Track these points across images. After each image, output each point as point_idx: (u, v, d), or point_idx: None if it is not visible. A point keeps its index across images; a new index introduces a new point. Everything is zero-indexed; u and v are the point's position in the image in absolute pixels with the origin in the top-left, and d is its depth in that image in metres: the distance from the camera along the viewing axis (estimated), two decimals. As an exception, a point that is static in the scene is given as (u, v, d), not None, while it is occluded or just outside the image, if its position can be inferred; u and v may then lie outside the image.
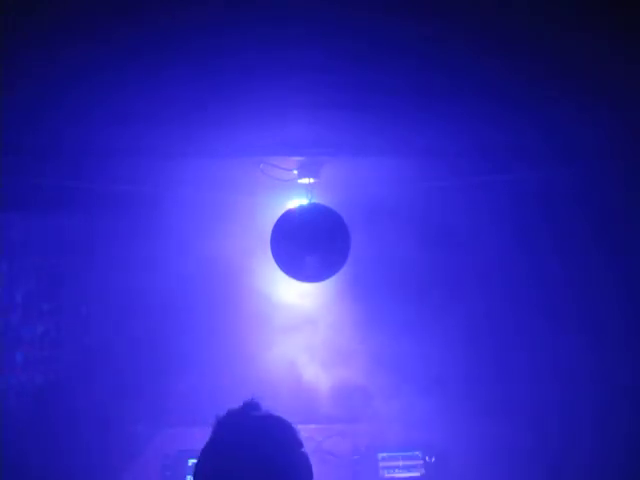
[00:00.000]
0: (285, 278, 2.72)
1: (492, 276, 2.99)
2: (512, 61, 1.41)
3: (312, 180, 2.58)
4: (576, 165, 2.49)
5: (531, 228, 2.81)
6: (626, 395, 2.46)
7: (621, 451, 2.38)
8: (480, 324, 2.98)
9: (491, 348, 2.96)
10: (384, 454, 2.87)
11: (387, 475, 2.83)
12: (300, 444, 1.31)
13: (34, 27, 1.18)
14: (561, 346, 2.73)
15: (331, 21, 1.20)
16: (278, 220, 2.63)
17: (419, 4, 1.13)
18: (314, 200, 2.63)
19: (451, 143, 2.30)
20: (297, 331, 3.28)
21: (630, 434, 2.40)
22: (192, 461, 2.78)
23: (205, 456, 1.30)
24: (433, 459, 2.84)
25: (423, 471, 2.83)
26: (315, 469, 1.32)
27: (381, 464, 2.85)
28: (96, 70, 1.45)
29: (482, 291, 3.01)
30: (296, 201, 2.73)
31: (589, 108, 1.85)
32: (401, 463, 2.86)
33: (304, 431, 1.39)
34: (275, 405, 1.43)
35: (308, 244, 2.59)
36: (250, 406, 1.35)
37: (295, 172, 2.56)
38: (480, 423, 2.89)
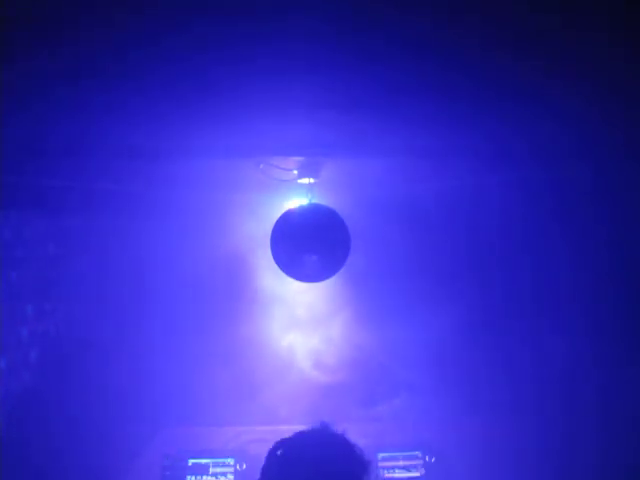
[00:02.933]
0: (285, 277, 2.72)
1: (493, 276, 2.99)
2: (520, 57, 1.40)
3: (312, 180, 2.58)
4: (585, 165, 2.48)
5: (533, 228, 2.81)
6: (630, 393, 2.46)
7: (624, 450, 2.37)
8: (481, 322, 2.98)
9: (493, 347, 2.96)
10: (384, 454, 2.87)
11: (387, 475, 2.83)
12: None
13: (29, 24, 1.18)
14: (564, 344, 2.73)
15: (332, 20, 1.20)
16: (278, 220, 2.63)
17: (418, 5, 1.13)
18: (314, 200, 2.63)
19: (452, 143, 2.30)
20: (298, 329, 3.28)
21: (634, 432, 2.40)
22: (192, 461, 2.78)
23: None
24: (433, 459, 2.84)
25: (423, 471, 2.83)
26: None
27: (381, 464, 2.85)
28: (95, 69, 1.44)
29: (483, 291, 3.01)
30: (296, 201, 2.73)
31: (603, 107, 1.84)
32: (401, 463, 2.86)
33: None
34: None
35: (308, 244, 2.59)
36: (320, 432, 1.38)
37: (295, 172, 2.56)
38: (480, 423, 2.90)
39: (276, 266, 2.67)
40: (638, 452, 2.36)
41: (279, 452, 1.36)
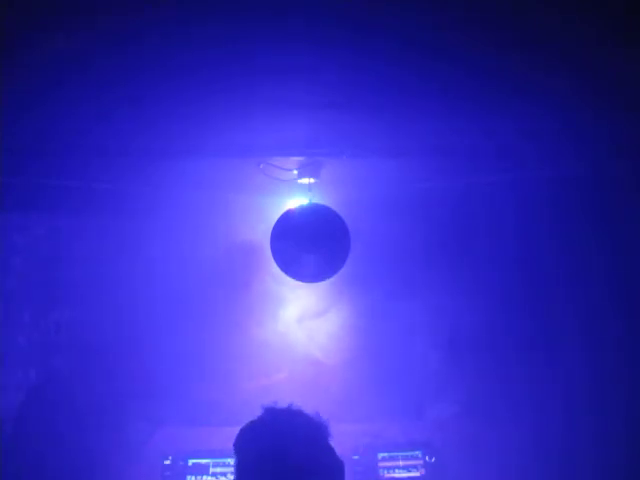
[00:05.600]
0: (285, 275, 2.72)
1: (490, 278, 2.99)
2: (518, 57, 1.40)
3: (312, 180, 2.58)
4: (583, 165, 2.48)
5: (532, 229, 2.81)
6: (627, 398, 2.45)
7: (622, 454, 2.37)
8: (478, 325, 2.98)
9: (489, 351, 2.96)
10: (384, 454, 2.87)
11: (387, 475, 2.83)
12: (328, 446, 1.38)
13: (30, 24, 1.18)
14: (560, 348, 2.73)
15: (330, 21, 1.20)
16: (278, 220, 2.63)
17: (418, 3, 1.13)
18: (314, 200, 2.63)
19: (452, 143, 2.30)
20: (298, 329, 3.28)
21: (630, 436, 2.39)
22: (192, 461, 2.78)
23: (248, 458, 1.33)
24: (433, 459, 2.84)
25: (423, 471, 2.83)
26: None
27: (381, 464, 2.85)
28: (95, 69, 1.44)
29: (480, 292, 3.00)
30: (296, 201, 2.73)
31: (602, 108, 1.84)
32: (401, 463, 2.85)
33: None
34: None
35: (308, 244, 2.59)
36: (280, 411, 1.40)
37: (295, 172, 2.56)
38: (481, 423, 2.89)
39: (276, 265, 2.67)
40: (636, 456, 2.35)
41: (245, 444, 1.37)
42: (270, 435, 1.35)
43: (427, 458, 2.85)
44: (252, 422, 1.40)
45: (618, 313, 2.50)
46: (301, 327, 3.28)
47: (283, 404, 1.42)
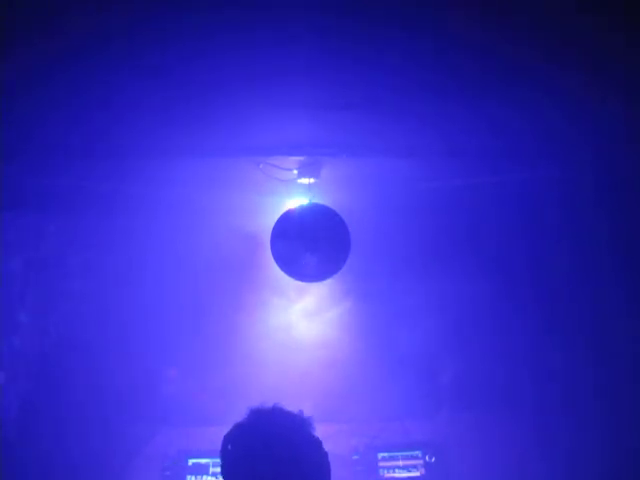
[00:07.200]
0: (284, 275, 2.72)
1: (492, 277, 2.99)
2: (529, 56, 1.40)
3: (312, 180, 2.58)
4: (592, 165, 2.48)
5: (541, 229, 2.80)
6: (630, 391, 2.45)
7: (630, 454, 2.36)
8: (483, 321, 2.98)
9: (492, 347, 2.96)
10: (384, 454, 2.87)
11: (387, 475, 2.83)
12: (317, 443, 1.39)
13: (24, 25, 1.18)
14: (562, 345, 2.73)
15: (331, 22, 1.20)
16: (278, 220, 2.63)
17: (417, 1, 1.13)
18: (314, 200, 2.63)
19: (452, 143, 2.30)
20: (298, 328, 3.28)
21: (635, 426, 2.39)
22: (192, 461, 2.78)
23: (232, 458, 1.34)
24: (433, 459, 2.84)
25: (423, 471, 2.83)
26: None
27: (381, 464, 2.85)
28: (96, 69, 1.44)
29: (484, 290, 3.00)
30: (296, 201, 2.73)
31: (613, 108, 1.84)
32: (401, 463, 2.86)
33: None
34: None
35: (308, 244, 2.59)
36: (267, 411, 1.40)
37: (295, 172, 2.56)
38: (480, 422, 2.89)
39: (276, 265, 2.67)
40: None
41: (229, 447, 1.37)
42: (249, 434, 1.36)
43: (427, 458, 2.85)
44: (234, 426, 1.41)
45: (627, 312, 2.50)
46: (304, 325, 3.28)
47: (268, 405, 1.43)
